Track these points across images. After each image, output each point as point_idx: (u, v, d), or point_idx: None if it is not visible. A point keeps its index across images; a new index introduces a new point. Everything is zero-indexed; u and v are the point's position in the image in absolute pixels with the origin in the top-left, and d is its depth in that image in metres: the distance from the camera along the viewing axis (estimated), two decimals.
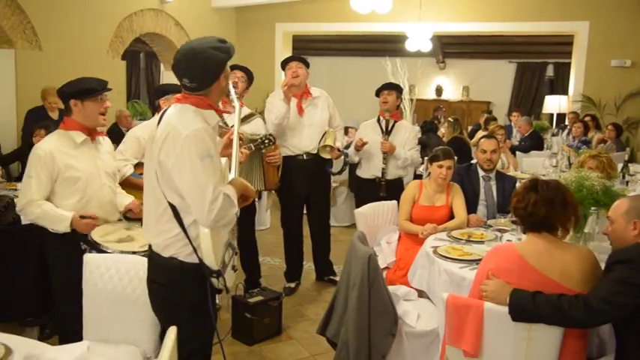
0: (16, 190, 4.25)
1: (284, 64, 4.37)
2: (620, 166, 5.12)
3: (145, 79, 14.23)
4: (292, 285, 4.58)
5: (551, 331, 2.04)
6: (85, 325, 2.50)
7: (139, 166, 3.36)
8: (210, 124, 2.05)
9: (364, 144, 4.49)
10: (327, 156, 4.34)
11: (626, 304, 1.94)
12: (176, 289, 2.10)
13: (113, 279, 2.47)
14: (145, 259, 2.47)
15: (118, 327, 2.45)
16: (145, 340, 2.42)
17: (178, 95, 2.13)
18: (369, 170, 4.62)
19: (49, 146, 2.71)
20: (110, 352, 2.34)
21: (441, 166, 3.62)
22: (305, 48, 13.20)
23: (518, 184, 4.10)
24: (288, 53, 10.56)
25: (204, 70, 2.02)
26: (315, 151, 4.33)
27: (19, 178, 4.65)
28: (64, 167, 2.70)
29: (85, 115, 2.76)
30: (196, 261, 2.04)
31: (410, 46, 9.04)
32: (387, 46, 11.68)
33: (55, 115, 5.84)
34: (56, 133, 2.81)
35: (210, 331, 2.19)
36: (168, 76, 9.27)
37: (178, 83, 3.64)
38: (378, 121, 4.68)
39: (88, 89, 2.73)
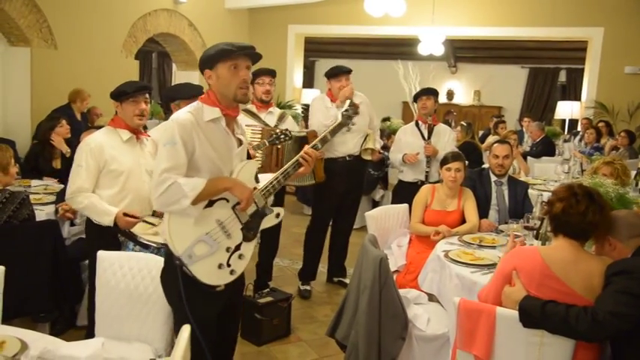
0: (30, 186, 4.30)
1: (331, 75, 4.46)
2: (633, 173, 5.08)
3: (157, 79, 14.33)
4: (308, 287, 4.57)
5: (564, 337, 2.03)
6: (97, 322, 2.53)
7: None
8: (203, 119, 2.14)
9: (417, 155, 4.56)
10: (368, 158, 4.49)
11: (631, 315, 1.92)
12: (169, 274, 2.18)
13: (126, 277, 2.49)
14: (157, 258, 2.52)
15: (130, 324, 2.47)
16: (156, 338, 2.43)
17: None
18: (413, 174, 4.68)
19: (99, 139, 2.95)
20: (122, 350, 2.35)
21: (449, 169, 3.64)
22: (317, 50, 13.23)
23: (530, 190, 4.10)
24: (300, 55, 10.59)
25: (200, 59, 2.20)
26: (357, 153, 4.45)
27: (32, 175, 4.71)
28: (110, 159, 2.91)
29: (124, 115, 3.00)
30: None
31: (422, 49, 9.04)
32: (399, 49, 11.70)
33: (79, 117, 5.99)
34: (105, 128, 3.05)
35: (200, 322, 2.09)
36: (180, 76, 9.33)
37: (187, 84, 3.72)
38: (417, 125, 4.76)
39: (121, 92, 2.97)
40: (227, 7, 9.50)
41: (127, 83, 3.06)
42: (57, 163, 4.88)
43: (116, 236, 2.86)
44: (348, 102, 2.82)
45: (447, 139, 4.75)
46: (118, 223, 2.84)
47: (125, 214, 2.84)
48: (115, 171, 2.91)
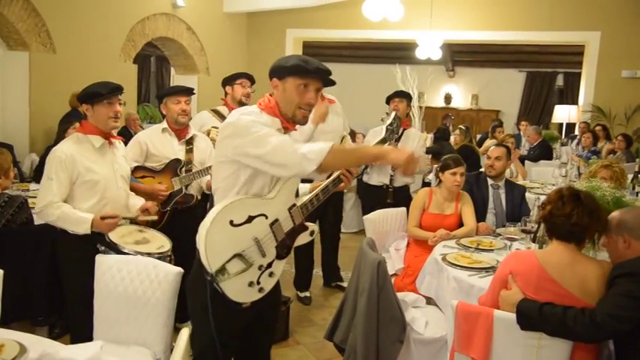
0: (28, 190, 4.31)
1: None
2: (630, 176, 5.09)
3: (155, 83, 14.35)
4: (307, 294, 4.56)
5: (561, 340, 2.04)
6: (95, 325, 2.52)
7: (137, 170, 3.40)
8: (269, 125, 2.04)
9: None
10: None
11: (631, 318, 1.93)
12: (196, 284, 2.09)
13: (125, 280, 2.49)
14: (156, 261, 2.52)
15: (129, 328, 2.47)
16: (155, 342, 2.43)
17: None
18: (377, 177, 4.66)
19: (69, 149, 2.75)
20: (121, 353, 2.36)
21: (454, 174, 3.63)
22: (315, 54, 13.22)
23: (527, 194, 4.11)
24: None
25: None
26: None
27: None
28: (84, 170, 2.74)
29: (96, 119, 2.82)
30: None
31: (420, 53, 9.07)
32: (397, 53, 11.72)
33: None
34: (75, 136, 2.85)
35: (220, 335, 2.08)
36: (178, 80, 9.35)
37: (183, 86, 3.71)
38: None
39: (94, 94, 2.79)
40: (225, 11, 9.52)
41: (99, 84, 2.85)
42: None
43: (95, 246, 2.70)
44: (393, 114, 2.56)
45: (416, 143, 4.68)
46: (99, 228, 2.69)
47: (103, 217, 2.69)
48: (90, 181, 2.75)
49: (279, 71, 2.06)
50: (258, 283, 2.07)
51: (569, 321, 1.97)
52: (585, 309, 1.99)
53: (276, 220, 2.09)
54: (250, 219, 2.02)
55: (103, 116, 2.80)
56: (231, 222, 1.97)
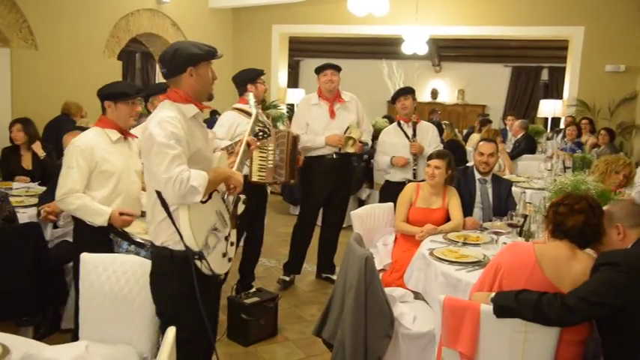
0: (11, 189, 4.24)
1: (318, 70, 4.55)
2: None
3: (141, 80, 14.22)
4: (287, 278, 4.64)
5: (547, 333, 2.06)
6: (81, 324, 2.49)
7: None
8: (186, 115, 2.19)
9: (406, 159, 4.55)
10: (350, 150, 4.44)
11: (605, 304, 1.98)
12: (167, 277, 2.20)
13: (110, 279, 2.46)
14: (142, 260, 2.50)
15: (115, 327, 2.44)
16: (141, 341, 2.41)
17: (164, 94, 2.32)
18: (400, 174, 4.64)
19: (88, 140, 2.90)
20: (107, 352, 2.33)
21: (429, 165, 3.70)
22: (301, 50, 13.22)
23: (513, 188, 4.13)
24: (285, 55, 10.57)
25: (172, 58, 2.18)
26: (343, 151, 4.44)
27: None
28: (101, 160, 2.88)
29: (117, 116, 2.96)
30: (184, 249, 2.12)
31: (406, 49, 9.08)
32: (384, 48, 11.73)
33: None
34: (93, 129, 2.99)
35: (203, 321, 2.16)
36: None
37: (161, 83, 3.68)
38: (399, 125, 4.72)
39: (121, 93, 2.95)
40: (211, 6, 9.45)
41: (124, 84, 3.04)
42: (28, 164, 4.87)
43: (108, 236, 2.82)
44: (254, 110, 2.78)
45: (430, 135, 4.73)
46: (115, 222, 2.81)
47: (121, 213, 2.82)
48: (106, 172, 2.88)
49: (193, 59, 2.17)
50: (227, 253, 2.29)
51: (545, 306, 2.01)
52: (558, 293, 2.04)
53: (224, 193, 2.32)
54: (210, 194, 2.19)
55: (124, 114, 2.96)
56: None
